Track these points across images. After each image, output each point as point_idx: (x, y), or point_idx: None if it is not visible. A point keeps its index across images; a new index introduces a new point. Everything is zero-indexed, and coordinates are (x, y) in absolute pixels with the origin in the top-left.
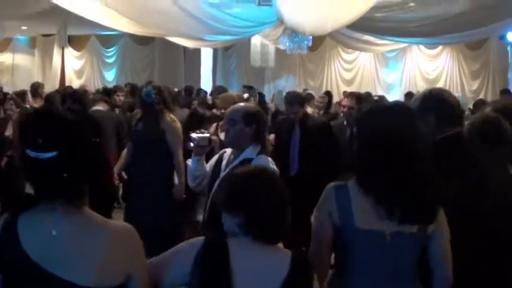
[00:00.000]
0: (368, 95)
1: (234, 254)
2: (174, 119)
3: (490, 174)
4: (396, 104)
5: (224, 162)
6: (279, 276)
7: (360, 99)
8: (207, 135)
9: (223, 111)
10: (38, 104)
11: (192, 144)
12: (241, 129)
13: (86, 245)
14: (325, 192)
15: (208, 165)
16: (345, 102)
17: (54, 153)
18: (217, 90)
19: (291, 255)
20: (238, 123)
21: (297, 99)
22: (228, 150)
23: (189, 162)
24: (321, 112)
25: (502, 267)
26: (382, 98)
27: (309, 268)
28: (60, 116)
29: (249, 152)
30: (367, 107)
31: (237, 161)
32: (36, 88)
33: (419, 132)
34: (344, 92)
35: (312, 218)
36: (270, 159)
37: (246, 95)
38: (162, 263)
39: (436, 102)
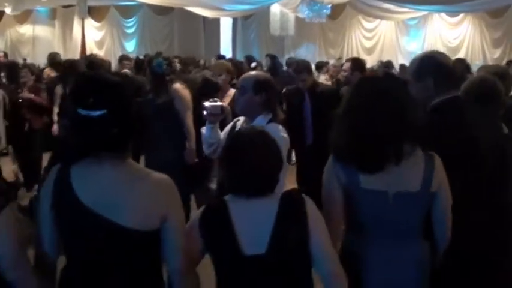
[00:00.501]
0: (389, 62)
1: (233, 209)
2: (182, 86)
3: (483, 134)
4: (388, 73)
5: (237, 130)
6: (272, 213)
7: (357, 64)
8: (219, 103)
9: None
10: (54, 73)
11: (205, 113)
12: (251, 97)
13: (131, 192)
14: (332, 155)
15: (223, 133)
16: (345, 67)
17: (103, 111)
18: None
19: (280, 195)
20: (248, 92)
21: (304, 67)
22: (241, 118)
23: (203, 130)
24: (334, 80)
25: (499, 232)
26: (403, 66)
27: (297, 202)
28: (108, 78)
29: (260, 120)
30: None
31: None
32: (53, 58)
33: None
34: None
35: (322, 181)
36: (280, 127)
37: (253, 64)
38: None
39: (433, 66)
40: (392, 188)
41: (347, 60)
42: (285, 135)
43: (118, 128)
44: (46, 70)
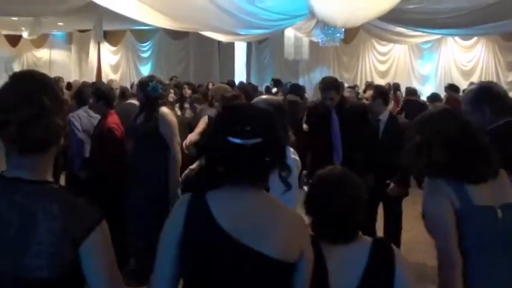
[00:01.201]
0: (397, 85)
1: (325, 253)
2: (168, 112)
3: None
4: (446, 109)
5: None
6: (362, 261)
7: (380, 91)
8: None
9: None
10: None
11: None
12: None
13: (276, 221)
14: (434, 182)
15: None
16: (367, 94)
17: (258, 140)
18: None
19: (371, 242)
20: None
21: (333, 84)
22: None
23: None
24: None
25: None
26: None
27: (388, 252)
28: (260, 107)
29: None
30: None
31: None
32: (56, 82)
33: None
34: (368, 85)
35: (429, 212)
36: (291, 149)
37: (274, 90)
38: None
39: (489, 95)
40: (497, 201)
41: (368, 87)
42: (297, 157)
43: (270, 156)
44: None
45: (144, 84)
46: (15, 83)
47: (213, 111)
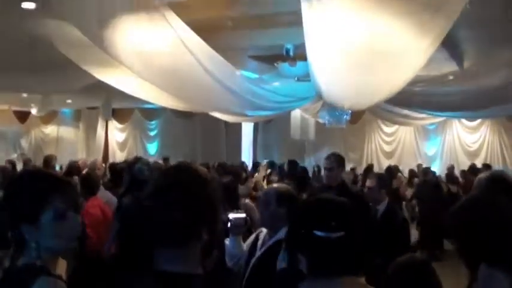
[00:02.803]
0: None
1: None
2: None
3: None
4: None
5: (260, 242)
6: None
7: (384, 182)
8: (243, 215)
9: None
10: None
11: (229, 224)
12: (275, 209)
13: None
14: (490, 275)
15: (246, 244)
16: (368, 183)
17: (342, 233)
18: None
19: None
20: (271, 205)
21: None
22: (264, 230)
23: (227, 241)
24: None
25: None
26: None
27: None
28: (343, 201)
29: (283, 232)
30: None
31: (271, 242)
32: (48, 160)
33: None
34: (368, 169)
35: None
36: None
37: (268, 171)
38: None
39: (505, 183)
40: None
41: (369, 172)
42: None
43: (353, 249)
44: None
45: (130, 166)
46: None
47: None
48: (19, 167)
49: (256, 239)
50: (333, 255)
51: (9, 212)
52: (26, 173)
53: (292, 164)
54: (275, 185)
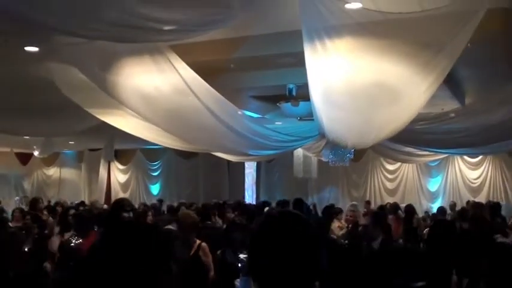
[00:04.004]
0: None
1: None
2: None
3: None
4: None
5: None
6: None
7: (379, 218)
8: None
9: None
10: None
11: (239, 265)
12: None
13: None
14: None
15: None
16: (362, 221)
17: (423, 283)
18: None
19: None
20: None
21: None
22: None
23: (237, 282)
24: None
25: None
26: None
27: None
28: (418, 249)
29: None
30: None
31: None
32: (35, 203)
33: None
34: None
35: None
36: None
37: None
38: None
39: None
40: None
41: (364, 215)
42: None
43: None
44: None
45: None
46: None
47: None
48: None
49: None
50: None
51: None
52: None
53: (298, 202)
54: None
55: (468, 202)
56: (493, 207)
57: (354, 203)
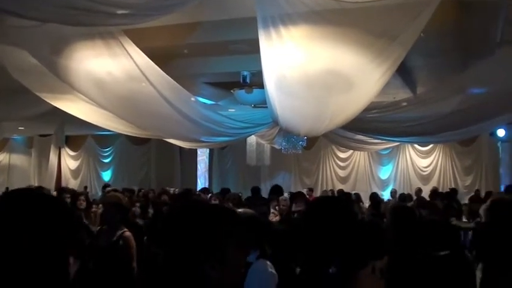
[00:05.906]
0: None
1: None
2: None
3: None
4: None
5: None
6: None
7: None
8: None
9: None
10: None
11: None
12: None
13: None
14: None
15: None
16: (294, 207)
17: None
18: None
19: None
20: None
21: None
22: None
23: None
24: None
25: None
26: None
27: None
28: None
29: (249, 256)
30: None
31: None
32: None
33: None
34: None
35: None
36: (268, 263)
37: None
38: None
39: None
40: None
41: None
42: (273, 271)
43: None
44: None
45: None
46: None
47: None
48: None
49: None
50: None
51: None
52: None
53: (255, 191)
54: (240, 210)
55: (419, 190)
56: (450, 193)
57: (285, 195)
